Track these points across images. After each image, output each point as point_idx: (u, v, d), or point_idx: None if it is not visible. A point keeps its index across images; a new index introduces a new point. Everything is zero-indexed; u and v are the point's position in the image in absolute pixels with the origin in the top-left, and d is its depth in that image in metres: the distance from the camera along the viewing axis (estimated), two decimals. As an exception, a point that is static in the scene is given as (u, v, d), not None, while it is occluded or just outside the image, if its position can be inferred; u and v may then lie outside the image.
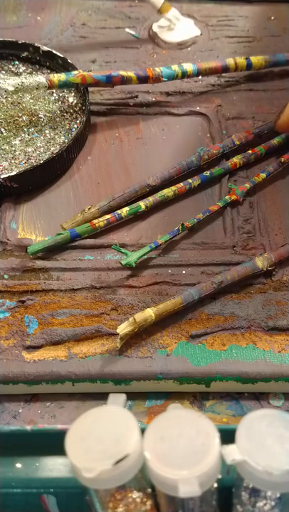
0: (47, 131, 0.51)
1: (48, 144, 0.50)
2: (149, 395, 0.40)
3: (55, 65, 0.56)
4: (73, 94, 0.54)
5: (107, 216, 0.46)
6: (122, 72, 0.52)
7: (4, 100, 0.52)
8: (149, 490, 0.28)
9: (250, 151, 0.51)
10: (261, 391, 0.40)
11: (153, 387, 0.40)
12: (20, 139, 0.51)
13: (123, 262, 0.43)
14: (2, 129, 0.51)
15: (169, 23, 0.62)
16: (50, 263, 0.44)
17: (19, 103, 0.52)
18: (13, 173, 0.47)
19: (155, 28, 0.63)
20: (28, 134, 0.51)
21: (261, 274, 0.44)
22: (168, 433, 0.25)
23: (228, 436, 0.25)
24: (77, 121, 0.52)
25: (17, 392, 0.40)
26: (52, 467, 0.30)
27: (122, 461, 0.24)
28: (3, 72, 0.56)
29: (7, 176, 0.46)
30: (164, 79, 0.54)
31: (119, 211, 0.46)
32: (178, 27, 0.63)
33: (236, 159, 0.50)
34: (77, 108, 0.53)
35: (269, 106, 0.56)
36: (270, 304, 0.42)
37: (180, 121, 0.55)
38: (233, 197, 0.48)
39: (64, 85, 0.51)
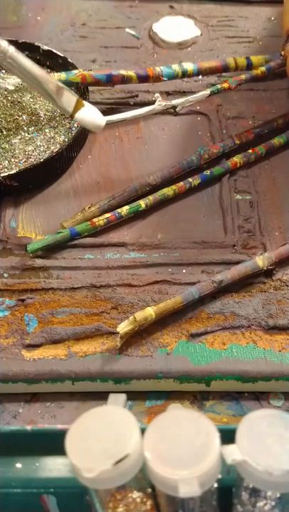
0: (47, 130, 0.51)
1: (48, 143, 0.50)
2: (149, 395, 0.40)
3: (55, 65, 0.56)
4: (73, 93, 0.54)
5: (107, 215, 0.46)
6: (123, 72, 0.52)
7: (4, 99, 0.52)
8: (149, 490, 0.28)
9: (250, 151, 0.51)
10: (261, 390, 0.40)
11: (153, 386, 0.40)
12: (20, 137, 0.50)
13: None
14: (2, 128, 0.51)
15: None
16: (50, 262, 0.44)
17: (19, 102, 0.52)
18: (13, 171, 0.47)
19: (155, 28, 0.63)
20: (28, 133, 0.51)
21: (261, 274, 0.44)
22: (168, 433, 0.25)
23: (228, 436, 0.25)
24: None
25: (16, 391, 0.40)
26: (52, 467, 0.30)
27: (122, 461, 0.24)
28: (4, 71, 0.56)
29: (7, 174, 0.46)
30: (165, 78, 0.54)
31: (119, 210, 0.46)
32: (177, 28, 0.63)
33: (236, 159, 0.50)
34: (78, 107, 0.53)
35: (269, 106, 0.56)
36: (271, 303, 0.42)
37: (180, 121, 0.55)
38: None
39: (64, 84, 0.51)
